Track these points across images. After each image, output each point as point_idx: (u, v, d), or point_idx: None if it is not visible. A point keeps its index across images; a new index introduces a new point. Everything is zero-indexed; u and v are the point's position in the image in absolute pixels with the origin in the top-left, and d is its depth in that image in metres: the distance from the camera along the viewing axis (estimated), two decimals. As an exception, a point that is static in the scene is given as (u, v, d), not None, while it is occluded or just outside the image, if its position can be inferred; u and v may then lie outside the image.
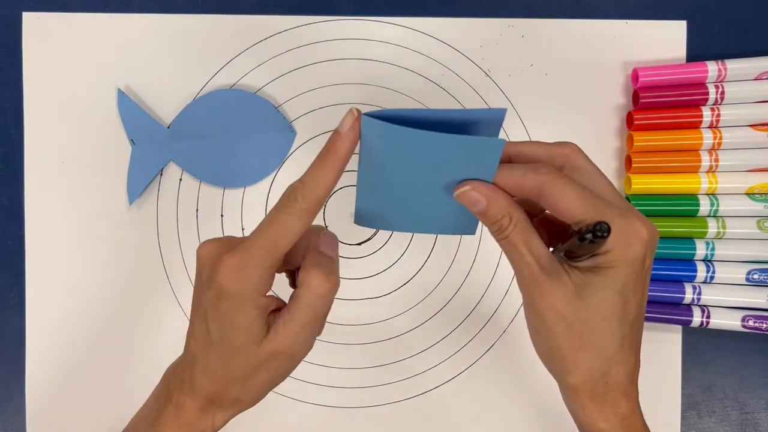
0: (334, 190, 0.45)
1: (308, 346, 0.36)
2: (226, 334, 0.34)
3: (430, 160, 0.34)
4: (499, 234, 0.35)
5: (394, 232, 0.51)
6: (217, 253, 0.34)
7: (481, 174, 0.34)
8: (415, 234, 0.51)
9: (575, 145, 0.36)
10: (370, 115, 0.33)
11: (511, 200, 0.34)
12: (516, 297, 0.52)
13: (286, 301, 0.35)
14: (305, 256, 0.35)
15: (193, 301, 0.36)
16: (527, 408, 0.51)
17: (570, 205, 0.33)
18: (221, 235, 0.40)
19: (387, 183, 0.36)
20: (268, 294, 0.34)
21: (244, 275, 0.33)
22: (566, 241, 0.35)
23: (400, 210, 0.37)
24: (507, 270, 0.52)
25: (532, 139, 0.51)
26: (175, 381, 0.36)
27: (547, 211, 0.37)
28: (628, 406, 0.35)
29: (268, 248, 0.33)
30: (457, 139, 0.33)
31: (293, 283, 0.38)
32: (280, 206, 0.33)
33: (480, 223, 0.36)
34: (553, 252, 0.35)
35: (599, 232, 0.31)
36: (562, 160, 0.35)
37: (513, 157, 0.36)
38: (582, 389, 0.35)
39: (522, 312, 0.52)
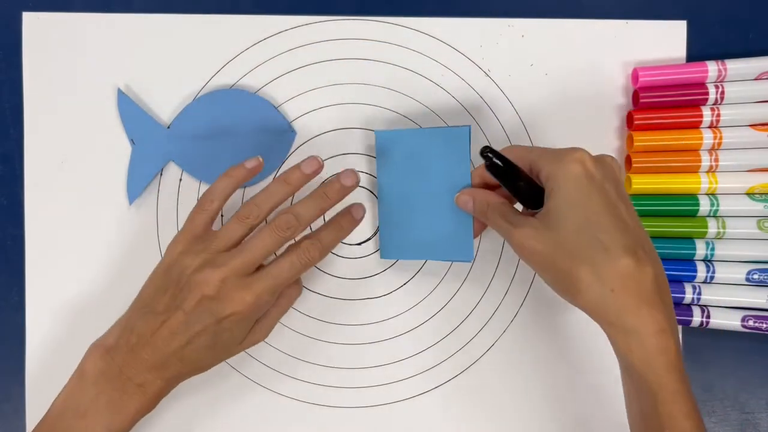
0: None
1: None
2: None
3: (422, 158, 0.47)
4: (483, 217, 0.44)
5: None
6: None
7: (459, 160, 0.46)
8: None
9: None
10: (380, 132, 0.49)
11: (488, 192, 0.45)
12: (519, 291, 0.52)
13: None
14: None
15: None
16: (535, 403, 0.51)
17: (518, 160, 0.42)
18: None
19: (399, 198, 0.49)
20: None
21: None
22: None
23: (413, 230, 0.48)
24: (509, 267, 0.52)
25: (533, 141, 0.52)
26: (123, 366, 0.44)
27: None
28: (653, 321, 0.35)
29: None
30: (433, 131, 0.47)
31: None
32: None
33: (474, 248, 0.48)
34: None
35: (483, 153, 0.41)
36: None
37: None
38: (591, 307, 0.37)
39: (525, 312, 0.52)
